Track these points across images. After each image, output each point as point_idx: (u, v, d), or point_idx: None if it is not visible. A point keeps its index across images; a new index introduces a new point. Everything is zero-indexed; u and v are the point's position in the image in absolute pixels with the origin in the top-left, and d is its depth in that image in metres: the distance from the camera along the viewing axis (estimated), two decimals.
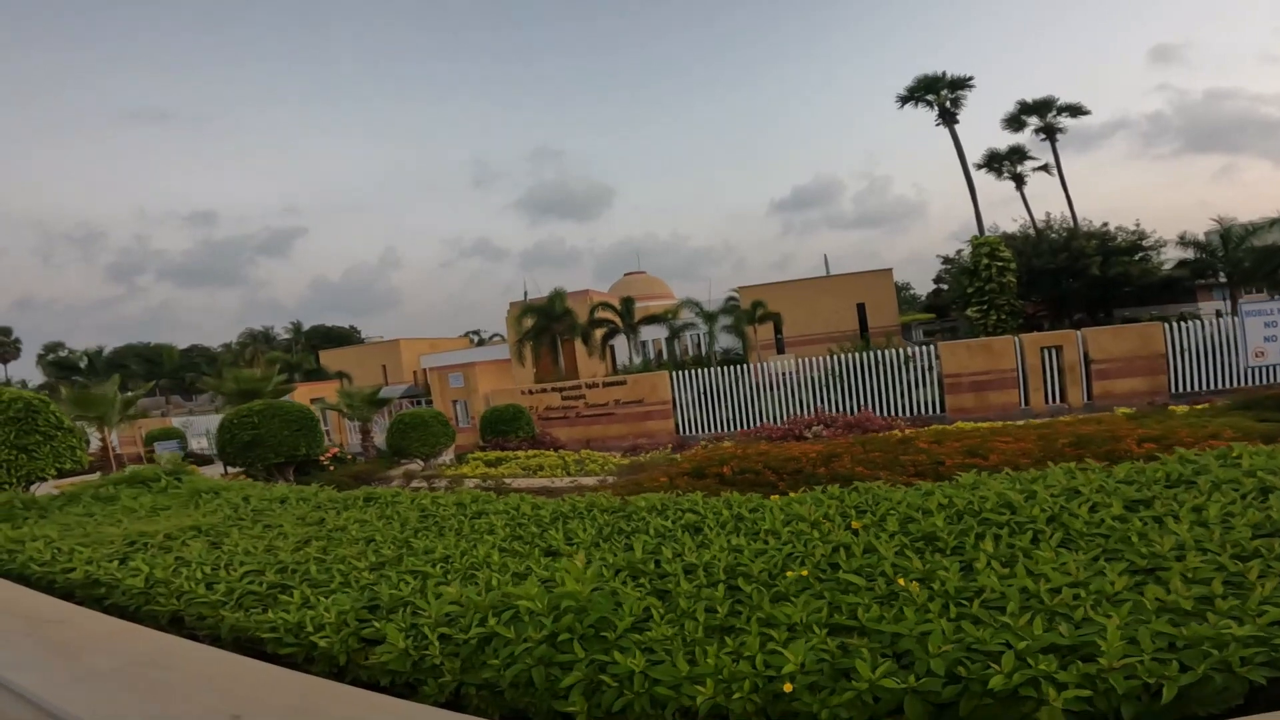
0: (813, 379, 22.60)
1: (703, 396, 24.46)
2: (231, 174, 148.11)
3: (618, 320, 30.85)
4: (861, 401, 21.75)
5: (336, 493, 7.81)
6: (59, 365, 45.43)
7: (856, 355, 21.98)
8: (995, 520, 3.84)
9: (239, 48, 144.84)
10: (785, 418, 22.21)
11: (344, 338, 74.63)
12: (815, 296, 33.27)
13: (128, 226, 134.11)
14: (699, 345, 38.18)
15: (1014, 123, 32.79)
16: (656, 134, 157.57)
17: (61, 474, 8.62)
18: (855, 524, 4.05)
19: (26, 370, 77.97)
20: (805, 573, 3.28)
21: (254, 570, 4.57)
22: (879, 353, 21.77)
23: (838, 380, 22.26)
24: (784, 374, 23.14)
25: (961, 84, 32.02)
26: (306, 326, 73.54)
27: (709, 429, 24.51)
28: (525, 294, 40.64)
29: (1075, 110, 31.82)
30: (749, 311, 30.41)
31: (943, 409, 21.19)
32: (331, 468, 13.65)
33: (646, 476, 9.87)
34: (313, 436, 12.78)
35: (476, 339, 60.89)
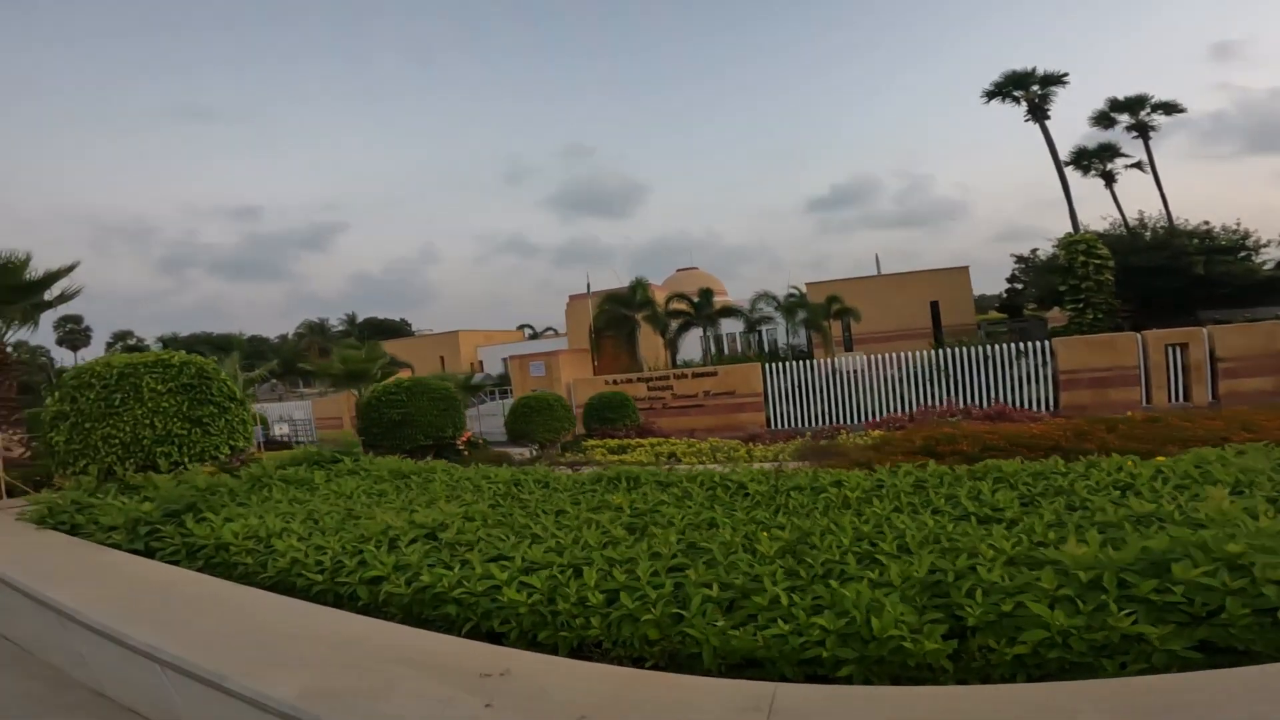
0: (914, 373, 20.75)
1: (797, 389, 22.67)
2: (275, 170, 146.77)
3: (692, 312, 29.10)
4: (967, 397, 19.86)
5: (574, 474, 6.15)
6: (132, 352, 44.29)
7: (964, 350, 20.15)
8: None
9: (279, 47, 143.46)
10: (889, 411, 20.41)
11: (396, 330, 73.52)
12: (886, 293, 31.30)
13: (178, 221, 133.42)
14: (760, 341, 36.32)
15: (1103, 120, 30.56)
16: (689, 132, 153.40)
17: (232, 451, 6.99)
18: None
19: (95, 356, 77.48)
20: None
21: (656, 574, 3.13)
22: (989, 347, 19.92)
23: (942, 375, 20.39)
24: (883, 368, 21.30)
25: (1055, 80, 29.69)
26: (343, 321, 72.33)
27: (801, 422, 22.72)
28: (588, 287, 39.09)
29: (1170, 108, 29.47)
30: (824, 306, 28.54)
31: (1057, 405, 19.29)
32: (466, 452, 12.00)
33: (874, 457, 8.06)
34: (458, 418, 11.17)
35: (530, 332, 59.38)
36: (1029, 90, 29.83)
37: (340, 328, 71.70)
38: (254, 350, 58.91)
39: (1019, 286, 32.97)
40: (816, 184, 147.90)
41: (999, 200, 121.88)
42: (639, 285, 27.67)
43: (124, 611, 3.18)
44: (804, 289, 34.25)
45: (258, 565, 4.10)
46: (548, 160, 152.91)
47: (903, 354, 21.10)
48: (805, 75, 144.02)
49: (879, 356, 21.68)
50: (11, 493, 9.80)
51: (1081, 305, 24.00)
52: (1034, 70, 30.13)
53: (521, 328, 61.03)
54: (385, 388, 10.74)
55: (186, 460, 6.33)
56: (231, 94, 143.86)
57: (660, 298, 29.80)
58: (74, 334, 69.47)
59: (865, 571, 2.86)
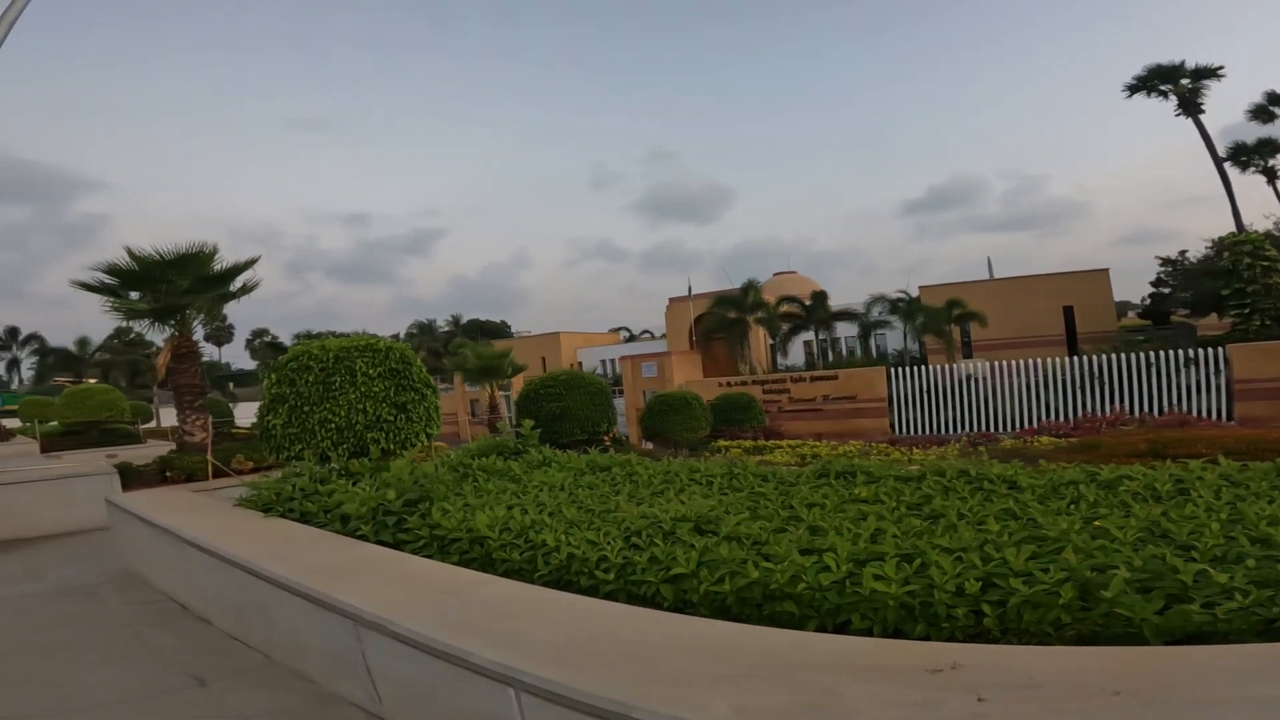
0: (1062, 380, 18.89)
1: (924, 395, 21.18)
2: (381, 178, 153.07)
3: (803, 315, 27.93)
4: (1125, 406, 17.85)
5: (791, 468, 5.40)
6: (273, 348, 46.94)
7: (1123, 356, 18.19)
8: None
9: (381, 60, 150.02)
10: (1034, 419, 18.68)
11: (497, 331, 75.30)
12: (1010, 297, 28.95)
13: (299, 227, 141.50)
14: (868, 345, 34.55)
15: (1261, 114, 27.23)
16: (775, 134, 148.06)
17: (428, 439, 6.68)
18: None
19: (236, 353, 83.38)
20: None
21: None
22: (1152, 354, 17.90)
23: (1096, 383, 18.45)
24: (1024, 374, 19.53)
25: (1208, 73, 26.74)
26: (449, 322, 74.41)
27: (928, 429, 21.26)
28: (689, 290, 38.35)
29: None
30: (945, 310, 26.69)
31: (1230, 416, 17.07)
32: (612, 448, 11.51)
33: (1088, 459, 7.00)
34: (611, 412, 10.71)
35: (627, 335, 59.43)
36: (1178, 84, 26.92)
37: (446, 328, 74.12)
38: None
39: (1165, 291, 29.84)
40: (912, 186, 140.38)
41: (1124, 201, 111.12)
42: (751, 287, 26.81)
43: (434, 619, 2.70)
44: (915, 293, 32.41)
45: (524, 561, 3.63)
46: (632, 166, 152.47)
47: (1049, 360, 19.29)
48: (898, 74, 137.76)
49: (1018, 362, 19.91)
50: (192, 476, 10.02)
51: (1247, 311, 21.36)
52: (1183, 64, 27.24)
53: (618, 330, 61.20)
54: (542, 381, 10.45)
55: (393, 446, 6.05)
56: (341, 105, 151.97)
57: (780, 299, 28.73)
58: (219, 330, 74.84)
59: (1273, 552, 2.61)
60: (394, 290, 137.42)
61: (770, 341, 33.36)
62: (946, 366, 21.34)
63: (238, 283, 10.68)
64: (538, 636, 2.52)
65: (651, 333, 55.65)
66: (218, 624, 4.42)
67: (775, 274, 48.73)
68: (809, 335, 32.10)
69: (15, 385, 53.68)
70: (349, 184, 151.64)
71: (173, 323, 10.12)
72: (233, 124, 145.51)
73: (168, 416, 27.35)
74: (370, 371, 6.02)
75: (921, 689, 1.87)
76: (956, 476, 4.80)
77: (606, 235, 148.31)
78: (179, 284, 9.75)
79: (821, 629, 2.73)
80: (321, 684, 3.40)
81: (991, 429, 19.43)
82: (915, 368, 21.60)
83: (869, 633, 2.65)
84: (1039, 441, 11.71)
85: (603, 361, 49.49)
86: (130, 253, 9.50)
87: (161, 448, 15.06)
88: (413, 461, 5.66)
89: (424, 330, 70.12)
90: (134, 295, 10.19)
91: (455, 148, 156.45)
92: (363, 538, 4.17)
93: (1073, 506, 3.83)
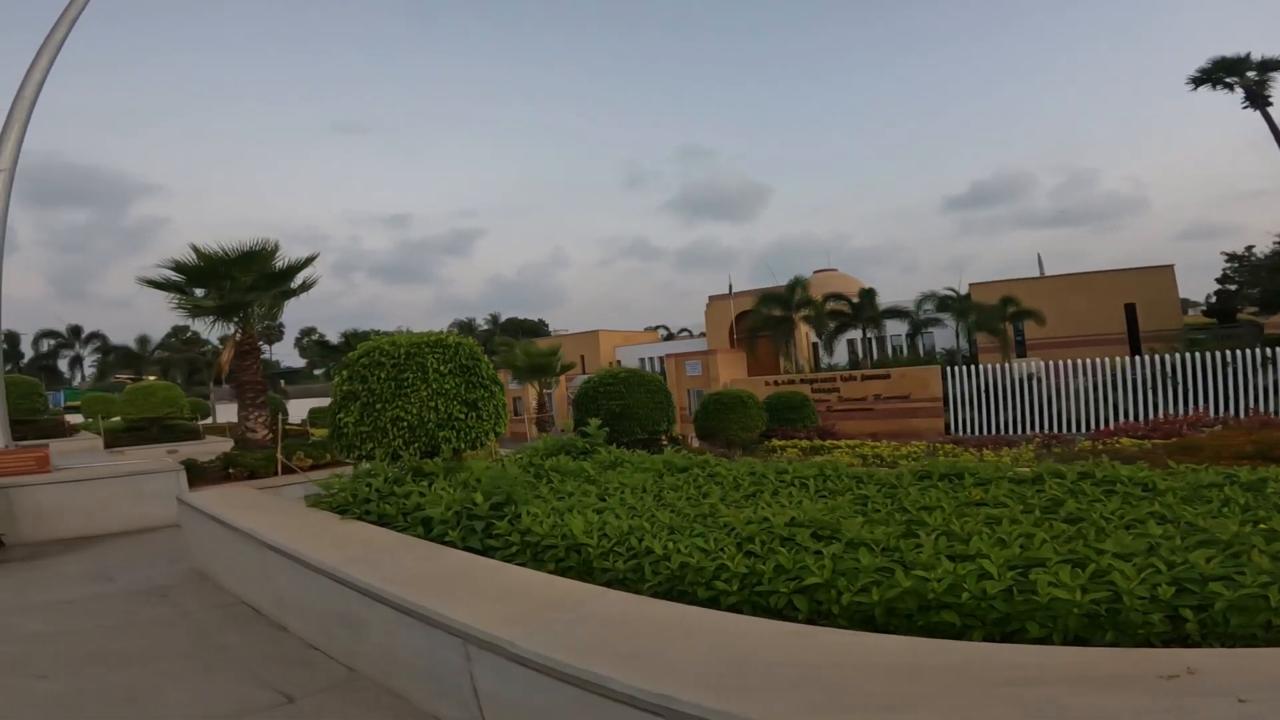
0: (1132, 380, 17.94)
1: (982, 395, 20.40)
2: (420, 180, 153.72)
3: (850, 312, 27.19)
4: (1196, 406, 16.86)
5: (887, 470, 4.98)
6: (322, 346, 47.66)
7: (1198, 355, 17.15)
8: None
9: (418, 65, 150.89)
10: (1100, 420, 17.80)
11: (535, 329, 75.59)
12: (1067, 295, 27.76)
13: (344, 229, 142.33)
14: (913, 344, 33.58)
15: None
16: (811, 129, 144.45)
17: (496, 437, 6.42)
18: None
19: (284, 351, 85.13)
20: None
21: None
22: (1228, 353, 16.87)
23: (1165, 382, 17.49)
24: (1091, 373, 18.62)
25: (1274, 65, 25.43)
26: (488, 321, 74.76)
27: (985, 430, 20.49)
28: (730, 288, 37.84)
29: None
30: (999, 308, 25.69)
31: None
32: (669, 447, 11.17)
33: (1194, 460, 6.41)
34: (671, 411, 10.36)
35: (665, 333, 59.05)
36: (1244, 76, 25.68)
37: (485, 327, 74.56)
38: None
39: (1231, 288, 28.31)
40: (954, 181, 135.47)
41: (1180, 196, 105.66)
42: (797, 283, 26.22)
43: (557, 640, 2.41)
44: (965, 290, 31.39)
45: (629, 570, 3.35)
46: (666, 164, 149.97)
47: (1115, 359, 18.38)
48: (937, 66, 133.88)
49: (1082, 361, 19.00)
50: (254, 473, 9.95)
51: None
52: (1248, 56, 26.04)
53: (656, 329, 60.80)
54: (602, 379, 10.17)
55: (463, 445, 5.81)
56: (380, 109, 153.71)
57: (828, 296, 28.00)
58: (269, 329, 76.70)
59: None
60: (434, 290, 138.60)
61: (814, 339, 32.72)
62: (1005, 365, 20.52)
63: (297, 280, 10.64)
64: (681, 658, 2.21)
65: (690, 331, 55.19)
66: (294, 631, 4.20)
67: (816, 271, 47.85)
68: (854, 334, 31.30)
69: (77, 382, 55.62)
70: (389, 186, 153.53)
71: (236, 319, 10.10)
72: (275, 127, 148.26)
73: (224, 413, 27.94)
74: (441, 368, 5.79)
75: (1164, 695, 1.69)
76: (1079, 478, 4.51)
77: (641, 234, 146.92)
78: (243, 281, 9.72)
79: (988, 639, 2.51)
80: (416, 703, 3.12)
81: (1053, 430, 18.58)
82: (971, 366, 20.79)
83: (1045, 642, 2.46)
84: (1120, 443, 11.01)
85: (641, 360, 49.21)
86: (196, 250, 9.51)
87: (220, 444, 15.22)
88: (486, 462, 5.41)
89: (464, 329, 70.78)
90: (199, 292, 10.21)
91: (491, 149, 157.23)
92: (449, 543, 3.91)
93: (1224, 509, 3.58)
